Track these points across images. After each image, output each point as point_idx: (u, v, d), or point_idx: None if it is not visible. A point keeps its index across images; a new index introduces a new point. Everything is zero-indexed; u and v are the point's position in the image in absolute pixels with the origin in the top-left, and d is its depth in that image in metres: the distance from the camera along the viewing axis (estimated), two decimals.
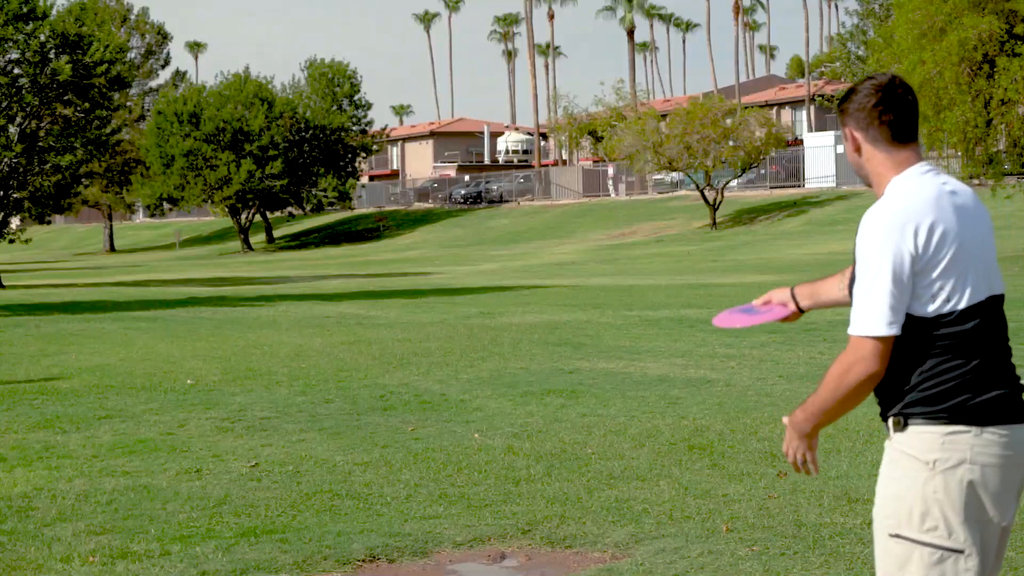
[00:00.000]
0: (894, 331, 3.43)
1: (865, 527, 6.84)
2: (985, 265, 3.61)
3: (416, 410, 11.36)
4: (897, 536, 3.49)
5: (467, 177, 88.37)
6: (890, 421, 3.55)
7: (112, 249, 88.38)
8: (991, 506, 3.46)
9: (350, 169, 78.90)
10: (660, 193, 74.82)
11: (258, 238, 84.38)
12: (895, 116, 3.56)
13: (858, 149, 3.62)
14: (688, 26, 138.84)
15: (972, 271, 3.52)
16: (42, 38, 41.90)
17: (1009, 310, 19.40)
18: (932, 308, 3.46)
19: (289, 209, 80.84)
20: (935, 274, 3.44)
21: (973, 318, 3.49)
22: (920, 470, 3.47)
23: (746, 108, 65.85)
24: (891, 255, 3.41)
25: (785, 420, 3.77)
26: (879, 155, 3.58)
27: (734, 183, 66.56)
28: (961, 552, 3.44)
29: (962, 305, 3.47)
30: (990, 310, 3.55)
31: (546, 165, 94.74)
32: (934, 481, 3.44)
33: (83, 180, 48.04)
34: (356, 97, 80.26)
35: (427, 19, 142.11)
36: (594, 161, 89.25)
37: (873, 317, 3.44)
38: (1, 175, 41.77)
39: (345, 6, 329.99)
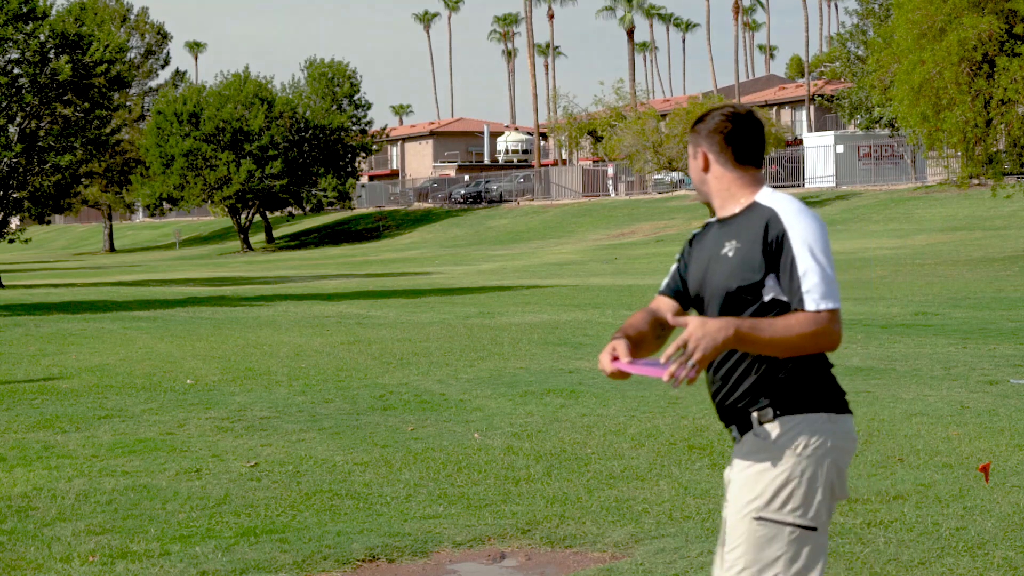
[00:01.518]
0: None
1: (865, 527, 6.85)
2: None
3: (416, 410, 11.36)
4: (761, 519, 3.71)
5: (467, 177, 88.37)
6: (756, 413, 3.77)
7: (112, 249, 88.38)
8: (839, 487, 3.82)
9: (350, 169, 78.90)
10: (660, 193, 74.81)
11: (258, 238, 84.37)
12: (750, 141, 3.89)
13: (707, 167, 3.92)
14: (688, 26, 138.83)
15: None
16: (42, 38, 41.90)
17: (1009, 310, 19.15)
18: None
19: (289, 209, 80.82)
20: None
21: None
22: (790, 455, 3.74)
23: None
24: (826, 243, 3.75)
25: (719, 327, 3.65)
26: (731, 174, 3.89)
27: None
28: (815, 530, 3.73)
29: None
30: None
31: (546, 165, 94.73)
32: (802, 465, 3.73)
33: (83, 180, 48.07)
34: (356, 97, 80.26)
35: (427, 19, 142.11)
36: (594, 161, 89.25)
37: (835, 292, 3.71)
38: (1, 175, 41.77)
39: (345, 6, 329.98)
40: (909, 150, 63.02)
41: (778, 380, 3.77)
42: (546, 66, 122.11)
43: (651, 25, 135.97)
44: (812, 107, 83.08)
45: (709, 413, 10.73)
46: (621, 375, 3.75)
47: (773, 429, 3.76)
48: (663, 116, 66.88)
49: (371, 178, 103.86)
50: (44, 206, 44.40)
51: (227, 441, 9.93)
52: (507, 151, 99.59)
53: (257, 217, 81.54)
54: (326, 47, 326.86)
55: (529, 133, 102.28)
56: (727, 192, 3.91)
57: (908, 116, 37.21)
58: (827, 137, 69.18)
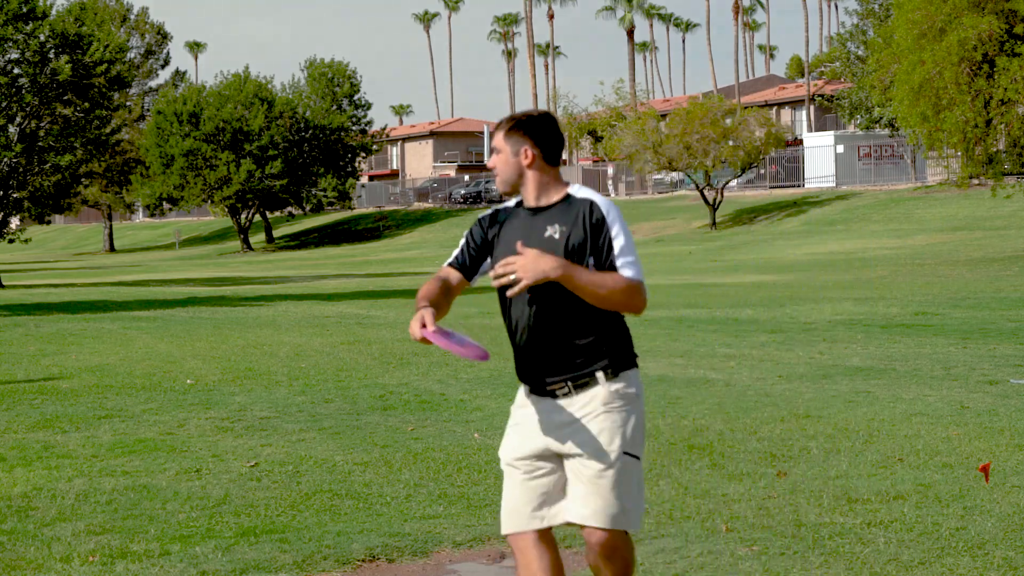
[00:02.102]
0: None
1: (865, 527, 6.85)
2: None
3: (416, 410, 11.36)
4: (627, 455, 4.54)
5: (467, 177, 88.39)
6: (601, 373, 4.56)
7: (112, 249, 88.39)
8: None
9: (350, 169, 78.90)
10: (660, 193, 74.81)
11: (258, 238, 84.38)
12: (561, 145, 4.72)
13: (532, 164, 4.63)
14: (688, 26, 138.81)
15: None
16: (42, 38, 41.90)
17: (1009, 310, 19.15)
18: None
19: (289, 209, 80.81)
20: None
21: None
22: (634, 402, 4.60)
23: (746, 108, 65.85)
24: (629, 230, 4.58)
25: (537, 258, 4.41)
26: (551, 170, 4.69)
27: (734, 183, 66.56)
28: (641, 458, 4.63)
29: None
30: None
31: None
32: (640, 408, 4.61)
33: (83, 180, 48.07)
34: (356, 97, 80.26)
35: (427, 19, 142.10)
36: (594, 161, 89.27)
37: (641, 270, 4.53)
38: (1, 175, 41.77)
39: (345, 6, 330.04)
40: (909, 150, 63.02)
41: (613, 341, 4.58)
42: (546, 66, 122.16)
43: (651, 25, 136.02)
44: (812, 107, 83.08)
45: (709, 413, 10.74)
46: (426, 342, 4.47)
47: (616, 383, 4.57)
48: (663, 116, 66.87)
49: (371, 178, 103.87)
50: (44, 206, 44.40)
51: (227, 441, 9.93)
52: None
53: (257, 217, 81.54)
54: (326, 47, 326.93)
55: None
56: (546, 186, 4.65)
57: (908, 116, 37.21)
58: (827, 137, 69.17)
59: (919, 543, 6.52)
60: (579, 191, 4.64)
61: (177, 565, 6.45)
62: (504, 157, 4.63)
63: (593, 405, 4.56)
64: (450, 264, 4.77)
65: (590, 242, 4.51)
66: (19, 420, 11.20)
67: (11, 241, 44.25)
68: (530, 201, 4.65)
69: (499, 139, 4.66)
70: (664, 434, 9.76)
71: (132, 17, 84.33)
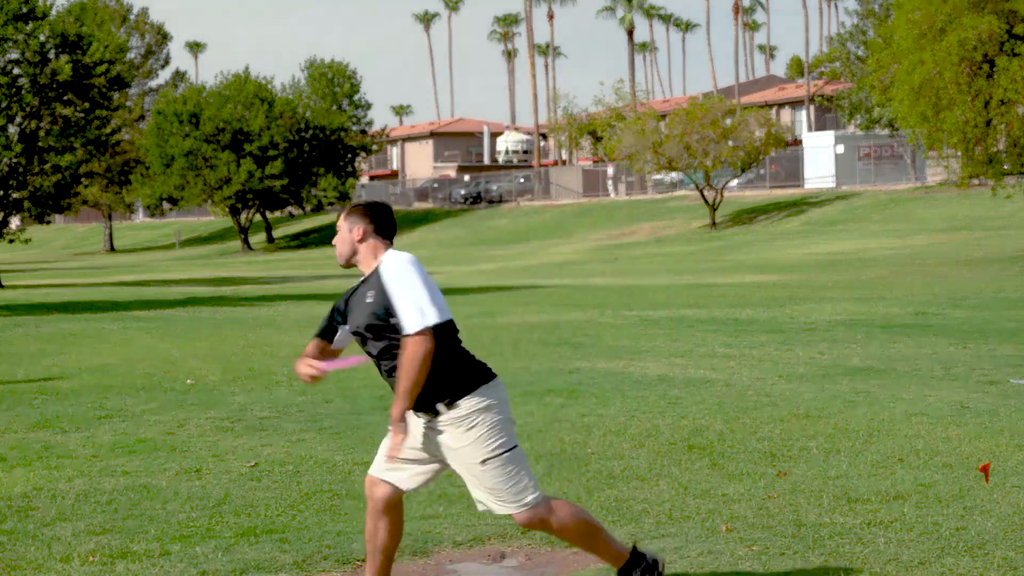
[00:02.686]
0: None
1: (865, 527, 6.85)
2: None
3: None
4: (490, 459, 5.50)
5: (467, 177, 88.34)
6: (440, 405, 5.50)
7: (112, 249, 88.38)
8: (509, 418, 5.71)
9: (350, 169, 78.87)
10: (660, 193, 74.79)
11: (258, 238, 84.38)
12: (390, 223, 5.67)
13: (363, 238, 5.59)
14: (688, 26, 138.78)
15: (441, 299, 5.50)
16: (42, 38, 41.90)
17: (1009, 310, 19.16)
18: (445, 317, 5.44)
19: (289, 209, 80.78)
20: (437, 295, 5.44)
21: (453, 327, 5.53)
22: (481, 414, 5.53)
23: (746, 108, 65.84)
24: (412, 274, 5.45)
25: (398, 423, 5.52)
26: (377, 242, 5.60)
27: (734, 183, 66.54)
28: (515, 447, 5.64)
29: (448, 316, 5.48)
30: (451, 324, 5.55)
31: (546, 165, 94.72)
32: (488, 417, 5.55)
33: (83, 180, 48.04)
34: (356, 97, 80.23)
35: (427, 19, 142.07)
36: (594, 161, 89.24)
37: (425, 312, 5.38)
38: (1, 175, 41.76)
39: (345, 6, 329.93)
40: (909, 150, 63.02)
41: (443, 379, 5.47)
42: (546, 66, 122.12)
43: (651, 25, 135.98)
44: (812, 107, 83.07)
45: (709, 413, 10.74)
46: (316, 379, 5.62)
47: (458, 410, 5.49)
48: (663, 116, 66.84)
49: (371, 178, 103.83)
50: (44, 206, 44.38)
51: (227, 441, 9.94)
52: (507, 151, 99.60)
53: (257, 217, 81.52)
54: (326, 47, 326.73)
55: (529, 133, 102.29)
56: (370, 258, 5.59)
57: (908, 116, 37.21)
58: (827, 137, 69.15)
59: (919, 543, 6.52)
60: (383, 258, 5.58)
61: (177, 565, 6.45)
62: (346, 235, 5.66)
63: (448, 428, 5.54)
64: (316, 335, 5.77)
65: (386, 301, 5.46)
66: (19, 420, 11.20)
67: (11, 241, 44.24)
68: (364, 272, 5.66)
69: (340, 221, 5.73)
70: (664, 434, 9.76)
71: (132, 17, 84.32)
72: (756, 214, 61.97)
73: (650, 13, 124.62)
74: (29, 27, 41.51)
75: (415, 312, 5.35)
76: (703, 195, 62.18)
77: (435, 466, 5.70)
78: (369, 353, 5.61)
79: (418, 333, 5.33)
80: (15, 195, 42.96)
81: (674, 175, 71.99)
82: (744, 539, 6.68)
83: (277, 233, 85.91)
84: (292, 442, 9.83)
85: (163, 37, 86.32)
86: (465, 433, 5.52)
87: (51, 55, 42.17)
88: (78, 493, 8.11)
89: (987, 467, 7.49)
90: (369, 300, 5.50)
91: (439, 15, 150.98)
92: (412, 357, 5.33)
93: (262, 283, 40.05)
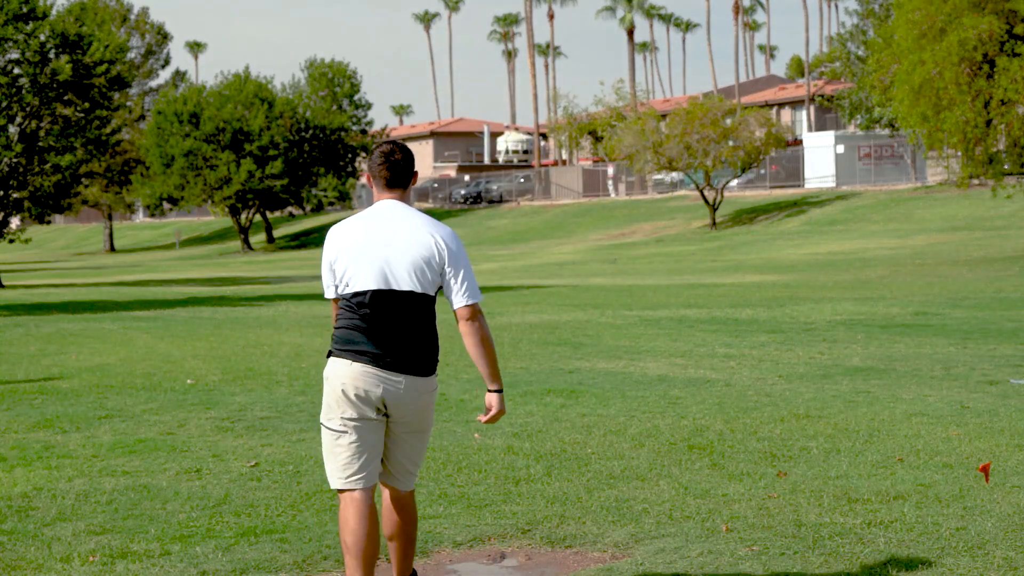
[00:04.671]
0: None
1: (865, 527, 6.85)
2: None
3: None
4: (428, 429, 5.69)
5: (467, 177, 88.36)
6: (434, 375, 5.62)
7: (112, 249, 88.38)
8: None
9: (350, 169, 78.89)
10: (660, 193, 74.80)
11: (258, 238, 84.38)
12: (391, 172, 5.59)
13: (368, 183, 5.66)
14: (688, 26, 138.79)
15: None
16: (42, 38, 41.89)
17: (1009, 310, 19.16)
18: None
19: (289, 209, 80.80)
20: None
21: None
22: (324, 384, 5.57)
23: (746, 108, 65.83)
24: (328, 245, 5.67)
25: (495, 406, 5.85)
26: (375, 193, 5.63)
27: (734, 183, 66.55)
28: (323, 425, 5.69)
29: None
30: None
31: (546, 165, 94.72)
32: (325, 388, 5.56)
33: (83, 180, 48.04)
34: (356, 97, 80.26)
35: (427, 19, 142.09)
36: (594, 161, 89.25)
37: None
38: (1, 175, 41.76)
39: (345, 6, 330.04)
40: (909, 150, 63.03)
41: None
42: (546, 66, 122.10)
43: (651, 25, 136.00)
44: (812, 107, 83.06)
45: (709, 413, 10.74)
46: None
47: (433, 380, 5.59)
48: (663, 116, 66.86)
49: None
50: (44, 206, 44.37)
51: (227, 441, 9.94)
52: (507, 151, 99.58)
53: (257, 217, 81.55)
54: (326, 47, 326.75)
55: (529, 133, 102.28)
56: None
57: (908, 116, 37.21)
58: (827, 137, 69.15)
59: (919, 543, 6.52)
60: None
61: (177, 565, 6.45)
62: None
63: (418, 388, 5.59)
64: None
65: None
66: (19, 420, 11.20)
67: (11, 241, 44.24)
68: None
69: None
70: (664, 434, 9.76)
71: (132, 17, 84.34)
72: (756, 214, 61.97)
73: (650, 13, 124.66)
74: (29, 27, 41.50)
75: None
76: (703, 195, 62.17)
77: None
78: None
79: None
80: (15, 195, 42.95)
81: (674, 175, 72.03)
82: (744, 539, 6.68)
83: (277, 233, 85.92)
84: (292, 442, 9.83)
85: (163, 37, 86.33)
86: (430, 402, 5.73)
87: (51, 55, 42.17)
88: (78, 493, 8.11)
89: (987, 467, 7.49)
90: None
91: (439, 15, 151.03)
92: (485, 331, 5.66)
93: (262, 283, 40.05)
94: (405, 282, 5.43)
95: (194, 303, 28.97)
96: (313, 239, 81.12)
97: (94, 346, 18.10)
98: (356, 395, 5.45)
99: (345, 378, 5.44)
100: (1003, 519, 6.94)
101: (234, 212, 76.16)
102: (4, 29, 40.78)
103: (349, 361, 5.46)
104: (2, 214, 42.88)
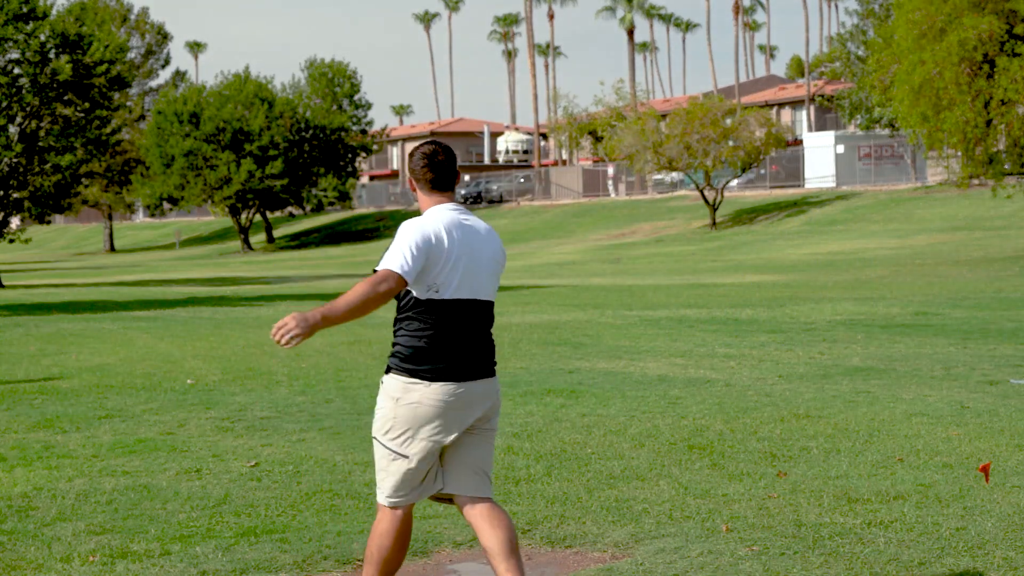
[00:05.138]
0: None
1: (865, 527, 6.85)
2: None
3: None
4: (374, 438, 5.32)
5: (467, 177, 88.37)
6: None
7: (112, 249, 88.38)
8: None
9: (350, 169, 78.88)
10: (660, 193, 74.80)
11: (258, 238, 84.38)
12: (436, 174, 5.31)
13: (413, 189, 5.42)
14: (688, 26, 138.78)
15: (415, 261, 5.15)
16: (42, 38, 41.89)
17: (1009, 310, 19.16)
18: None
19: (289, 209, 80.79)
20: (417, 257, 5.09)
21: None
22: (387, 401, 5.27)
23: (746, 108, 65.82)
24: (403, 237, 5.14)
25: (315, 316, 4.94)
26: (424, 195, 5.35)
27: (734, 183, 66.53)
28: (378, 442, 5.40)
29: (408, 275, 5.11)
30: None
31: (546, 165, 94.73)
32: (387, 407, 5.29)
33: (83, 180, 48.04)
34: (356, 97, 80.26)
35: (427, 19, 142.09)
36: (594, 161, 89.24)
37: (388, 258, 5.09)
38: (1, 175, 41.76)
39: (345, 6, 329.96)
40: (909, 150, 63.02)
41: (398, 345, 5.29)
42: (546, 66, 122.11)
43: (651, 25, 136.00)
44: (812, 107, 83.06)
45: (709, 413, 10.74)
46: None
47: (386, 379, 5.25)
48: (663, 116, 66.85)
49: (371, 178, 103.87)
50: (44, 206, 44.39)
51: (227, 441, 9.94)
52: (507, 151, 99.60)
53: (257, 217, 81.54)
54: (326, 47, 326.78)
55: (529, 133, 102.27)
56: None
57: (908, 116, 37.21)
58: (827, 137, 69.14)
59: (919, 543, 6.52)
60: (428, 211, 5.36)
61: (177, 565, 6.45)
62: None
63: (494, 389, 5.34)
64: None
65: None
66: (19, 420, 11.20)
67: (11, 241, 44.24)
68: None
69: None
70: (664, 434, 9.76)
71: (132, 17, 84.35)
72: (756, 214, 61.97)
73: (650, 13, 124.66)
74: (29, 27, 41.50)
75: (387, 254, 5.11)
76: (703, 195, 62.17)
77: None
78: None
79: (380, 270, 5.05)
80: (15, 195, 42.95)
81: (674, 175, 72.01)
82: (744, 539, 6.68)
83: (277, 233, 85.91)
84: (292, 442, 9.83)
85: (163, 37, 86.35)
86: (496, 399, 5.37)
87: (51, 55, 42.17)
88: (78, 493, 8.11)
89: (987, 467, 7.48)
90: None
91: (439, 15, 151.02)
92: (366, 282, 5.00)
93: (262, 283, 40.05)
94: (489, 294, 5.30)
95: (194, 303, 28.97)
96: (313, 239, 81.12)
97: (94, 346, 18.10)
98: (460, 418, 5.20)
99: (452, 401, 5.16)
100: (1003, 519, 6.94)
101: (234, 212, 76.16)
102: (4, 29, 40.79)
103: (453, 384, 5.15)
104: (2, 214, 42.88)
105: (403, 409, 5.15)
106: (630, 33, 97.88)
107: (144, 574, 6.34)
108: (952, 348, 15.24)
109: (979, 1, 35.75)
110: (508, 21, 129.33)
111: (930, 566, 6.14)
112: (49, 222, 50.09)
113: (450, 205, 5.28)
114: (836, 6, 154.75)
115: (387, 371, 5.23)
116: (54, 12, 43.42)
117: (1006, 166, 37.90)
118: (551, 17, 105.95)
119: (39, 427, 10.80)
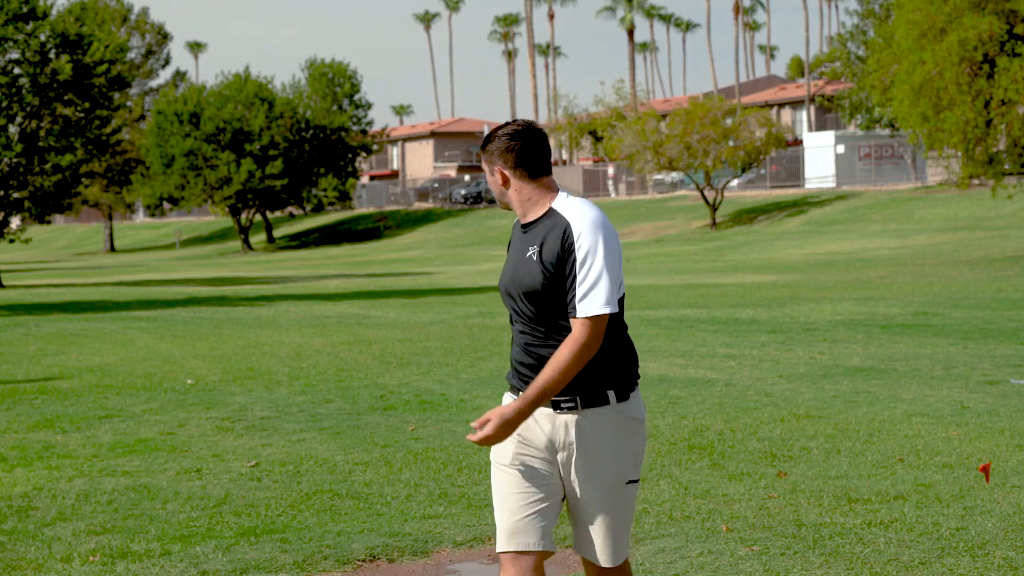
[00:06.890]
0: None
1: (865, 527, 6.85)
2: None
3: (416, 410, 11.36)
4: (632, 481, 4.41)
5: (467, 177, 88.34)
6: (612, 392, 4.36)
7: (112, 249, 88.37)
8: None
9: (350, 169, 78.86)
10: (660, 193, 74.78)
11: (258, 238, 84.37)
12: (537, 156, 4.40)
13: (506, 183, 4.42)
14: (688, 26, 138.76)
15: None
16: (42, 38, 41.90)
17: (1009, 310, 19.13)
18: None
19: (289, 209, 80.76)
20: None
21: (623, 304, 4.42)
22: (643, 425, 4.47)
23: (746, 108, 65.82)
24: (609, 251, 4.28)
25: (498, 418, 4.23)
26: (528, 186, 4.40)
27: (734, 183, 66.52)
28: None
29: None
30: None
31: None
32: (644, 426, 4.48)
33: (83, 180, 48.03)
34: (356, 97, 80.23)
35: (427, 19, 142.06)
36: (594, 161, 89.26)
37: (605, 298, 4.23)
38: (1, 175, 41.76)
39: (345, 6, 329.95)
40: (909, 150, 63.01)
41: (615, 366, 4.42)
42: (546, 66, 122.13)
43: (651, 25, 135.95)
44: (812, 107, 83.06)
45: (709, 413, 10.74)
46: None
47: (628, 405, 4.43)
48: (663, 116, 66.83)
49: (371, 178, 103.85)
50: (44, 206, 44.36)
51: (227, 441, 9.94)
52: None
53: (257, 217, 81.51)
54: (326, 47, 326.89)
55: None
56: (528, 201, 4.40)
57: (908, 116, 37.21)
58: (827, 137, 69.14)
59: (919, 543, 6.52)
60: (564, 204, 4.36)
61: (177, 565, 6.45)
62: (489, 179, 4.50)
63: (611, 427, 4.38)
64: None
65: (561, 266, 4.28)
66: (19, 420, 11.20)
67: (11, 241, 44.23)
68: (521, 218, 4.46)
69: (483, 160, 4.51)
70: (664, 434, 9.76)
71: (132, 17, 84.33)
72: (756, 214, 61.96)
73: (650, 13, 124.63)
74: (29, 27, 41.50)
75: (598, 287, 4.22)
76: (703, 195, 62.16)
77: (559, 497, 4.42)
78: (517, 319, 4.43)
79: (592, 318, 4.21)
80: (15, 195, 42.95)
81: (674, 175, 72.00)
82: (744, 539, 6.68)
83: (277, 233, 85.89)
84: (292, 442, 9.82)
85: (163, 37, 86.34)
86: (629, 438, 4.39)
87: (51, 55, 42.17)
88: (78, 493, 8.11)
89: (987, 467, 7.47)
90: (532, 256, 4.34)
91: (439, 15, 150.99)
92: (571, 352, 4.20)
93: (262, 283, 40.04)
94: None
95: (194, 303, 28.97)
96: (313, 239, 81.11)
97: (94, 346, 18.10)
98: None
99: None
100: (1003, 519, 6.94)
101: (234, 212, 76.15)
102: (4, 29, 40.79)
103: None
104: (2, 214, 42.88)
105: (640, 427, 4.46)
106: (630, 33, 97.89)
107: (144, 574, 6.34)
108: (952, 348, 15.24)
109: (979, 1, 35.75)
110: (508, 21, 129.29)
111: (930, 566, 6.14)
112: (49, 222, 50.07)
113: (569, 190, 4.68)
114: (836, 6, 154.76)
115: (605, 393, 4.35)
116: (54, 12, 43.42)
117: (1006, 166, 37.89)
118: (551, 17, 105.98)
119: (39, 427, 10.80)
